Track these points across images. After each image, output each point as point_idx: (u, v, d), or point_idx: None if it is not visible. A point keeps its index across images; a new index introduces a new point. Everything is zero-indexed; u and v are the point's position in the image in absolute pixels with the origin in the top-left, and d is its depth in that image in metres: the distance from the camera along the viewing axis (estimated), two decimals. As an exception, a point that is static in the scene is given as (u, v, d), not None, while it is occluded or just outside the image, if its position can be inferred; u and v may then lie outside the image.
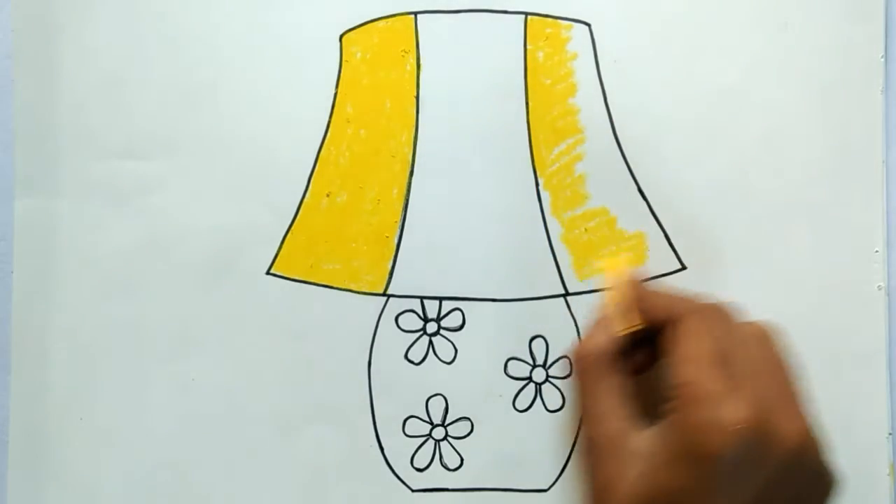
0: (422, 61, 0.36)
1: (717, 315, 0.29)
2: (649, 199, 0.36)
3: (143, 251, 0.36)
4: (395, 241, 0.36)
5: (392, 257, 0.36)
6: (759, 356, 0.29)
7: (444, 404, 0.36)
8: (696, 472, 0.26)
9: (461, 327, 0.37)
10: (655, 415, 0.29)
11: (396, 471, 0.36)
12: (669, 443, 0.27)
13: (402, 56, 0.36)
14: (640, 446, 0.28)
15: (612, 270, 0.33)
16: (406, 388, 0.36)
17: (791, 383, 0.29)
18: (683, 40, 0.36)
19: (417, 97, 0.36)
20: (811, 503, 0.29)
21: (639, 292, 0.32)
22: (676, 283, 0.36)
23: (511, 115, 0.36)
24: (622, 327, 0.31)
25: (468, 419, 0.37)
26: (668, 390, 0.28)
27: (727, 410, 0.26)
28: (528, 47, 0.36)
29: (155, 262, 0.36)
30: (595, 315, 0.32)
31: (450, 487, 0.36)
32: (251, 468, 0.36)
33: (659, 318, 0.30)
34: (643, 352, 0.32)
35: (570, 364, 0.31)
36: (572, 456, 0.36)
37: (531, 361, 0.36)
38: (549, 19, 0.36)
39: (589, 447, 0.29)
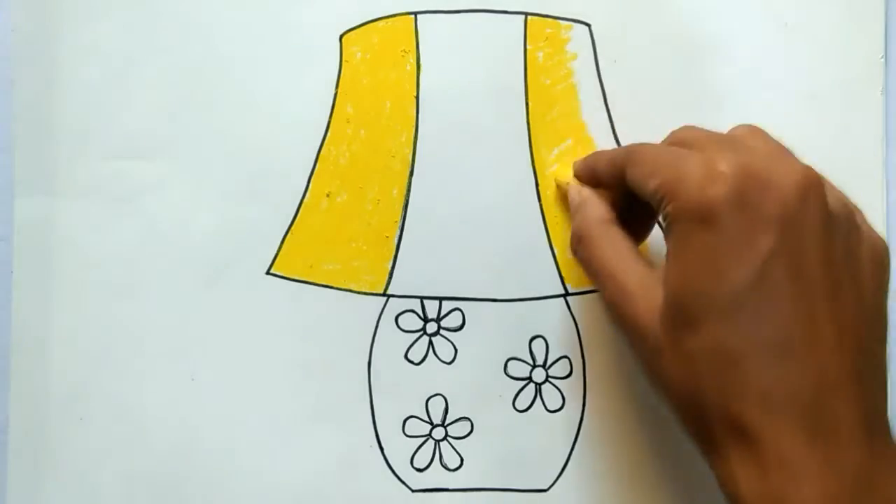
0: (422, 61, 0.36)
1: (672, 135, 0.30)
2: (649, 199, 0.36)
3: (143, 251, 0.36)
4: (395, 241, 0.36)
5: (392, 257, 0.36)
6: (730, 135, 0.28)
7: (444, 404, 0.36)
8: (705, 240, 0.25)
9: (461, 327, 0.37)
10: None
11: (396, 471, 0.36)
12: (674, 235, 0.26)
13: (402, 56, 0.36)
14: (660, 275, 0.27)
15: (564, 174, 0.35)
16: (406, 388, 0.36)
17: (780, 145, 0.28)
18: (683, 40, 0.36)
19: (417, 97, 0.36)
20: (863, 273, 0.26)
21: (593, 163, 0.33)
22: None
23: (511, 115, 0.36)
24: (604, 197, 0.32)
25: (468, 419, 0.37)
26: (655, 205, 0.27)
27: (710, 165, 0.25)
28: (528, 47, 0.36)
29: (155, 262, 0.36)
30: (573, 203, 0.33)
31: (450, 487, 0.36)
32: (251, 468, 0.36)
33: (618, 167, 0.30)
34: (636, 224, 0.32)
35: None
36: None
37: (531, 361, 0.36)
38: (549, 19, 0.36)
39: (615, 299, 0.28)
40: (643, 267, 0.28)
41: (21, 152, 0.37)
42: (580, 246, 0.31)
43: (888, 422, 0.25)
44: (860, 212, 0.28)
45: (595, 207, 0.31)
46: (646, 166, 0.28)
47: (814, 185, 0.25)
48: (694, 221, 0.25)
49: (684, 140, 0.28)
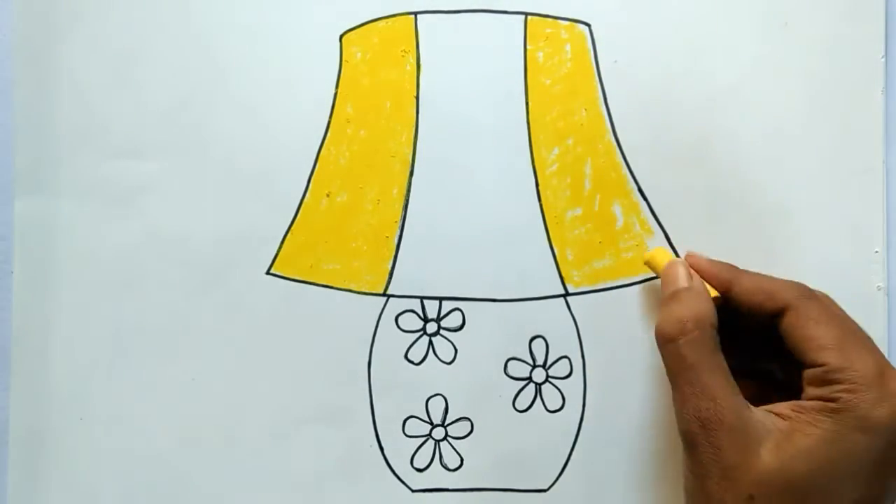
0: (422, 61, 0.36)
1: (827, 300, 0.31)
2: (649, 199, 0.36)
3: (143, 251, 0.36)
4: (395, 241, 0.36)
5: (392, 257, 0.36)
6: (868, 338, 0.30)
7: (444, 404, 0.36)
8: (863, 442, 0.27)
9: (461, 327, 0.37)
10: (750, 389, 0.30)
11: (396, 471, 0.36)
12: (833, 420, 0.27)
13: (402, 56, 0.36)
14: (766, 423, 0.28)
15: (661, 257, 0.34)
16: (406, 388, 0.36)
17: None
18: (683, 40, 0.36)
19: (417, 97, 0.36)
20: None
21: (716, 272, 0.33)
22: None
23: (511, 115, 0.36)
24: (711, 295, 0.31)
25: (468, 419, 0.37)
26: (819, 375, 0.28)
27: (888, 381, 0.27)
28: (528, 47, 0.36)
29: (155, 262, 0.37)
30: (667, 290, 0.32)
31: (450, 487, 0.36)
32: (251, 468, 0.36)
33: (763, 301, 0.30)
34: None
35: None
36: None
37: (531, 361, 0.36)
38: (549, 19, 0.36)
39: (707, 425, 0.28)
40: (740, 400, 0.29)
41: (21, 152, 0.37)
42: (679, 343, 0.30)
43: None
44: None
45: (704, 303, 0.30)
46: (815, 331, 0.29)
47: None
48: (856, 428, 0.27)
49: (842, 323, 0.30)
